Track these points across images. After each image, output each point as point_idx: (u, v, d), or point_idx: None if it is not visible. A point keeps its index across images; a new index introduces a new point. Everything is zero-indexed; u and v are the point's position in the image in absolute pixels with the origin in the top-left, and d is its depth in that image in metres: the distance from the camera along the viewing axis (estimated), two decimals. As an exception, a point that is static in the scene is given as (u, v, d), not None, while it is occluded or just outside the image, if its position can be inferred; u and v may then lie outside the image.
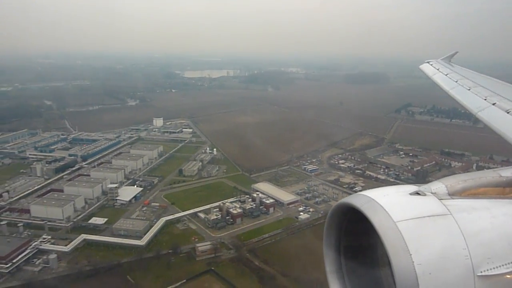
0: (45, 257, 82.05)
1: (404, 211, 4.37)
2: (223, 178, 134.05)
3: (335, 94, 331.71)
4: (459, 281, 4.07)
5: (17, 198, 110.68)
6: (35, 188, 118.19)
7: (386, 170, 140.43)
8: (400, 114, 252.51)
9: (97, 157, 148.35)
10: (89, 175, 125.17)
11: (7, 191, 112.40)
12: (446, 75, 14.93)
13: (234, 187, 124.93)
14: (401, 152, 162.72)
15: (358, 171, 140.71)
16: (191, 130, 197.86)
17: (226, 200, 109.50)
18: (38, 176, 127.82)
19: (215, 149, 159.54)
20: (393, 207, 4.40)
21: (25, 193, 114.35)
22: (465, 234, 4.24)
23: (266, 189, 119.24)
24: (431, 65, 17.16)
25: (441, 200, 4.64)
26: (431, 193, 4.81)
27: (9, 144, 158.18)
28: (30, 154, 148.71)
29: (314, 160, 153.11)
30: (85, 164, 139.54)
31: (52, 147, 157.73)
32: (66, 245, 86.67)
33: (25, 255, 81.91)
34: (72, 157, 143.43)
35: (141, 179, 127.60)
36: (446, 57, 18.12)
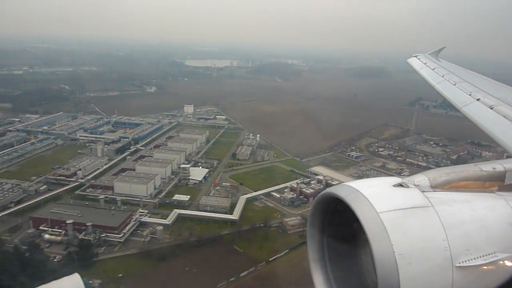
0: (151, 228, 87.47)
1: (387, 202, 4.48)
2: (276, 162, 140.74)
3: (344, 86, 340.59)
4: (438, 271, 4.22)
5: (92, 177, 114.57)
6: (104, 167, 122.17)
7: (425, 158, 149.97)
8: (414, 107, 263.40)
9: (148, 140, 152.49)
10: (151, 156, 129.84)
11: (80, 169, 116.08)
12: (433, 69, 15.01)
13: (291, 170, 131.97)
14: (432, 142, 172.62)
15: (399, 158, 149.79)
16: (224, 117, 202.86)
17: (291, 182, 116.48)
18: (99, 156, 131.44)
19: (258, 135, 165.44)
20: (376, 198, 4.50)
21: (95, 172, 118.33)
22: (445, 226, 4.35)
23: (323, 172, 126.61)
24: (419, 59, 17.28)
25: (424, 193, 4.75)
26: (414, 185, 4.92)
27: (56, 126, 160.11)
28: (80, 136, 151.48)
29: (353, 148, 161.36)
30: (140, 147, 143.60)
31: (99, 129, 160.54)
32: (164, 219, 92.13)
33: (130, 227, 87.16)
34: (126, 139, 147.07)
35: (202, 161, 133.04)
36: (433, 52, 18.17)
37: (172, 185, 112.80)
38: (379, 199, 4.50)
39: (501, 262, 4.35)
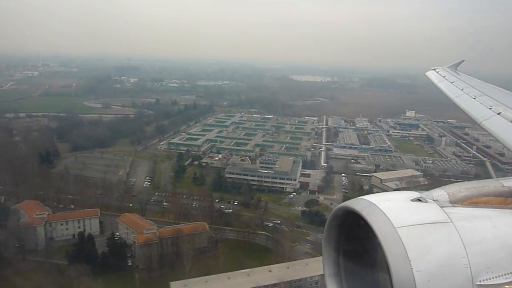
0: None
1: (405, 217, 4.38)
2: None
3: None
4: None
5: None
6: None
7: None
8: None
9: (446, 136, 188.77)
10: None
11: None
12: (452, 82, 14.87)
13: None
14: None
15: None
16: (455, 120, 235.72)
17: None
18: (443, 146, 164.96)
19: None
20: (394, 212, 4.41)
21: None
22: (466, 242, 4.23)
23: None
24: (437, 72, 16.99)
25: (443, 208, 4.64)
26: (433, 200, 4.82)
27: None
28: (393, 132, 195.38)
29: None
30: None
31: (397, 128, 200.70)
32: None
33: None
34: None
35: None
36: (452, 65, 17.74)
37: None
38: (397, 213, 4.40)
39: None
